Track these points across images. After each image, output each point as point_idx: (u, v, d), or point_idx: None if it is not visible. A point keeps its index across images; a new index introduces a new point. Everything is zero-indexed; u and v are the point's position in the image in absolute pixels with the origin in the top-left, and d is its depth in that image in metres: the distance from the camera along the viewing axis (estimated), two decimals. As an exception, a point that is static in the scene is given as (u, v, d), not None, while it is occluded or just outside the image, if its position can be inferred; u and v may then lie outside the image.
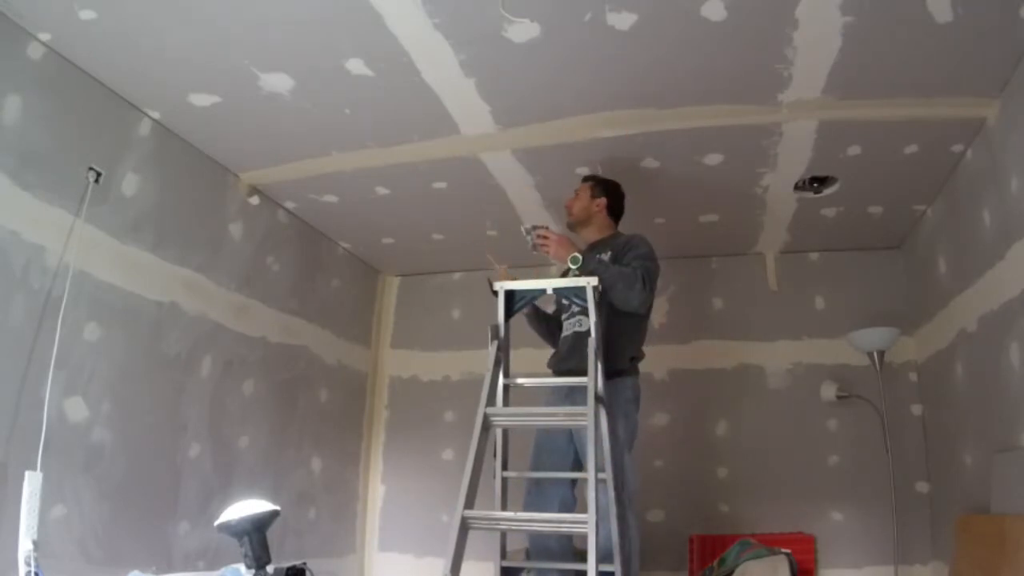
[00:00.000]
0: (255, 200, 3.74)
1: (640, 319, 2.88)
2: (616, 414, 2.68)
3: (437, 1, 2.36)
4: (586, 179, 3.15)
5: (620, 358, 2.78)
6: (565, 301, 2.92)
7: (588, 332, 2.58)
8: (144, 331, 3.03)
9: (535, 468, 2.84)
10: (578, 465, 2.82)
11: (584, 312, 2.73)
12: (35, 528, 2.26)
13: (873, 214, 3.90)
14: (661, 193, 3.72)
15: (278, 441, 3.90)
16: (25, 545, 2.22)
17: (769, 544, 3.26)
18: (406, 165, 3.45)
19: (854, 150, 3.24)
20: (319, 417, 4.27)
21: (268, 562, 2.28)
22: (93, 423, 2.74)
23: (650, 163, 3.42)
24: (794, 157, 3.31)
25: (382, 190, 3.74)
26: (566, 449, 2.84)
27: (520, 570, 2.73)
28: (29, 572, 2.17)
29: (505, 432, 2.70)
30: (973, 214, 3.15)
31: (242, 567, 2.30)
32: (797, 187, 3.62)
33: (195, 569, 3.10)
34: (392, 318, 5.06)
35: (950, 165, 3.33)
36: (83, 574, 2.61)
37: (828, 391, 4.11)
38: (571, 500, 2.82)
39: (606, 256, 2.88)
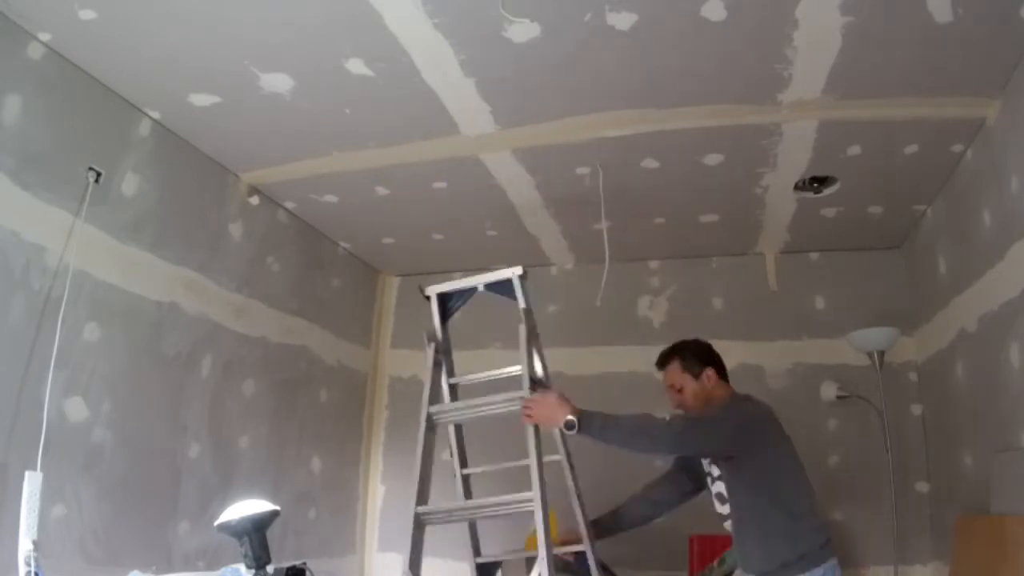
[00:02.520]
0: (255, 200, 3.73)
1: (782, 485, 2.33)
2: None
3: (437, 1, 2.36)
4: (663, 361, 2.64)
5: (788, 550, 2.23)
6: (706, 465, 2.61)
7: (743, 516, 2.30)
8: (144, 331, 3.03)
9: None
10: None
11: (719, 478, 2.45)
12: (35, 528, 2.26)
13: (873, 214, 3.90)
14: (661, 193, 3.72)
15: (278, 441, 3.90)
16: (25, 545, 2.21)
17: (769, 544, 3.25)
18: (406, 165, 3.45)
19: (854, 150, 3.24)
20: (319, 417, 4.27)
21: (268, 562, 2.28)
22: (93, 423, 2.74)
23: (650, 163, 3.41)
24: (794, 157, 3.31)
25: (382, 190, 3.74)
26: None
27: (497, 566, 2.75)
28: (29, 572, 2.17)
29: (459, 429, 2.80)
30: (973, 214, 3.15)
31: (242, 567, 2.30)
32: (797, 187, 3.61)
33: (195, 569, 3.10)
34: (392, 318, 5.06)
35: (950, 165, 3.33)
36: (83, 574, 2.61)
37: (828, 391, 4.10)
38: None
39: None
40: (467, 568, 2.76)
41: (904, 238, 4.19)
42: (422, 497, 2.40)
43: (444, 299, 2.79)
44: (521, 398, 2.44)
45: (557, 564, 3.41)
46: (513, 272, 2.63)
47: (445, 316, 2.78)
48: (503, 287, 2.71)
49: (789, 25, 2.43)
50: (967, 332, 3.31)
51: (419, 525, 2.35)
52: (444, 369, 2.76)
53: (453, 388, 2.79)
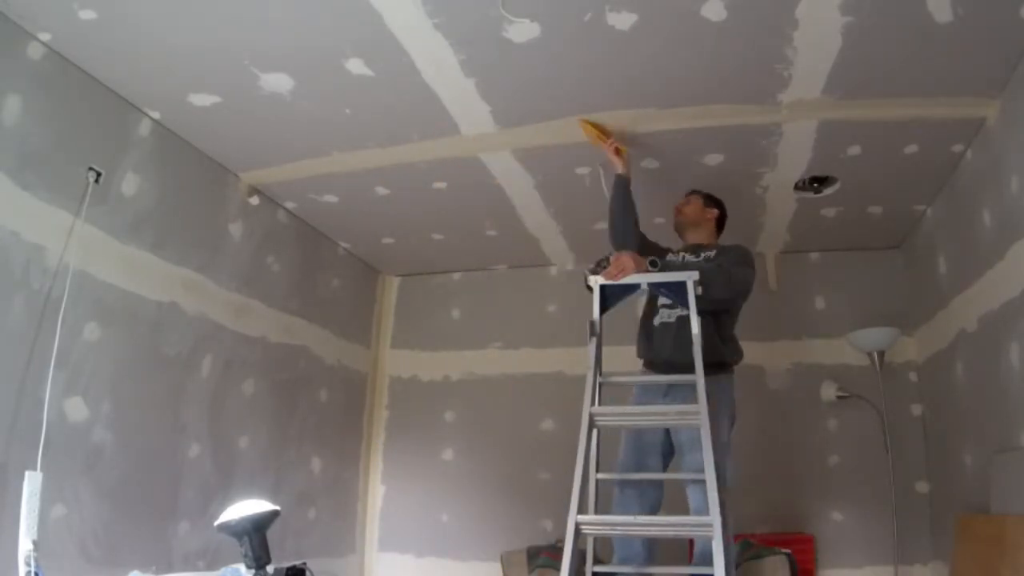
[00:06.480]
0: (255, 200, 3.73)
1: (730, 316, 2.95)
2: (720, 411, 2.63)
3: (437, 1, 2.36)
4: (695, 192, 3.18)
5: (727, 350, 2.87)
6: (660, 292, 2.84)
7: (687, 320, 2.56)
8: (144, 331, 3.03)
9: (630, 467, 2.77)
10: (670, 462, 2.81)
11: (681, 304, 2.68)
12: (35, 528, 2.26)
13: (873, 214, 3.90)
14: (661, 193, 3.71)
15: (278, 441, 3.90)
16: (25, 545, 2.22)
17: (769, 544, 3.26)
18: (406, 165, 3.45)
19: (854, 150, 3.24)
20: (319, 417, 4.27)
21: (268, 562, 2.28)
22: (93, 423, 2.74)
23: (650, 163, 3.42)
24: (794, 157, 3.31)
25: (382, 190, 3.74)
26: (661, 447, 2.79)
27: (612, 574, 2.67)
28: (29, 572, 2.17)
29: (599, 433, 2.61)
30: (973, 214, 3.15)
31: (242, 567, 2.30)
32: (797, 187, 3.62)
33: (195, 569, 3.10)
34: (392, 318, 5.06)
35: (950, 165, 3.33)
36: (83, 574, 2.61)
37: (828, 391, 4.10)
38: (661, 500, 2.78)
39: (711, 254, 2.92)
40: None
41: (904, 238, 4.19)
42: (582, 505, 2.17)
43: (603, 292, 2.65)
44: (697, 413, 2.30)
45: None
46: (689, 276, 2.53)
47: (604, 309, 2.64)
48: (672, 289, 2.59)
49: (789, 25, 2.43)
50: (967, 332, 3.31)
51: (579, 536, 2.12)
52: (597, 367, 2.56)
53: (600, 387, 2.58)
